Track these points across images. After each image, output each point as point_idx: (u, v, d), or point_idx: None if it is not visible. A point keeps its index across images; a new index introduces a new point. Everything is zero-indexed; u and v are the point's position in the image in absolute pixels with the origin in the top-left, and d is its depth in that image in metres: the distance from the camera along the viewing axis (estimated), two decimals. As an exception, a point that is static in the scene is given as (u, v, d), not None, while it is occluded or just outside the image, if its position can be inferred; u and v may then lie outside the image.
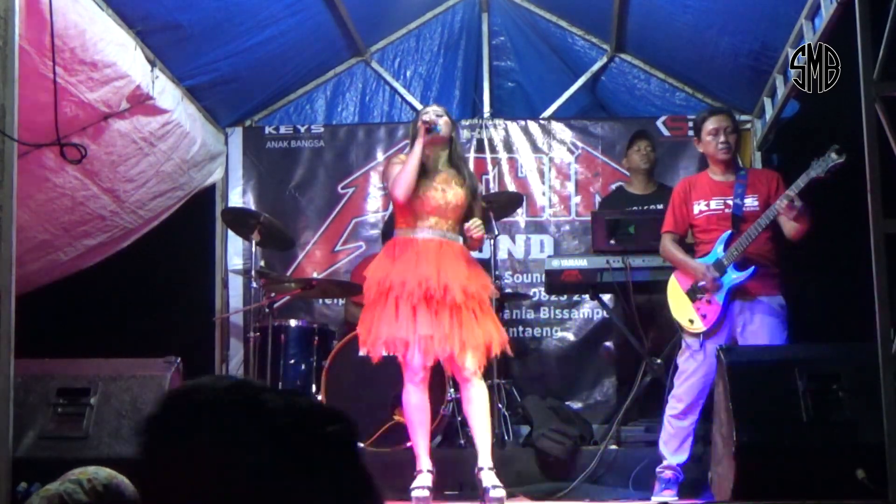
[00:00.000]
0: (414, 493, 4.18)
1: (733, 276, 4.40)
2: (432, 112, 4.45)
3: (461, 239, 4.41)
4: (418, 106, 7.00)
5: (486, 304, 4.38)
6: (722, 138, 4.57)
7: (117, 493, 2.46)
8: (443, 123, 4.42)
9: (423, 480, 4.22)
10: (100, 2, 4.56)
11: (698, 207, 4.59)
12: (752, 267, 4.38)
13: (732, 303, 4.42)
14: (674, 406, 4.46)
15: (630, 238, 5.31)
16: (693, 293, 4.50)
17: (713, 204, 4.56)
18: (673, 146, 6.64)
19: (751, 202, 4.50)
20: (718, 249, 4.46)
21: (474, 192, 4.51)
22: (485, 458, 4.24)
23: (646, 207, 5.71)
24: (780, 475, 3.60)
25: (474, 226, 4.31)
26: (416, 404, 4.31)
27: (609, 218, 5.52)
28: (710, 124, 4.60)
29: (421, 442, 4.32)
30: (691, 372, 4.42)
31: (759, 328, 4.35)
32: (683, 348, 4.52)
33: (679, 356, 4.55)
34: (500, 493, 4.13)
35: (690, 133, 6.59)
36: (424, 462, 4.29)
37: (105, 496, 2.43)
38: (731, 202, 4.51)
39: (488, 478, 4.18)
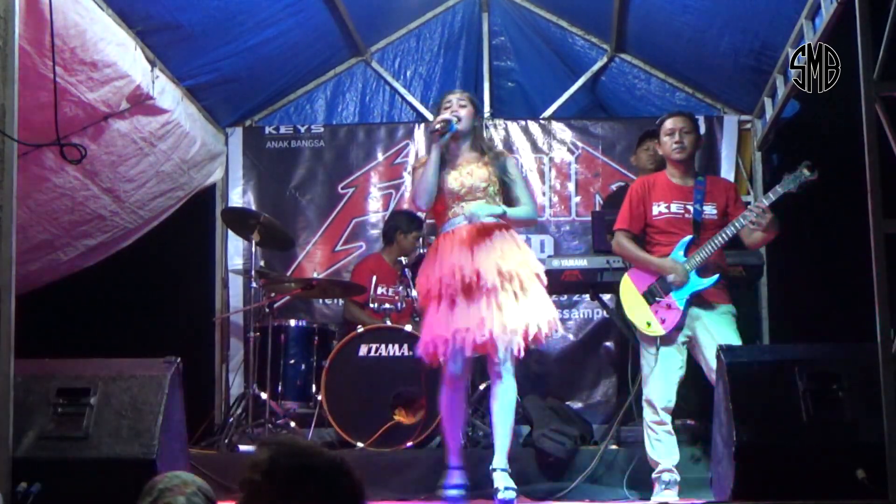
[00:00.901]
0: (448, 493, 4.22)
1: (696, 282, 4.40)
2: (455, 104, 4.32)
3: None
4: (418, 106, 7.01)
5: (527, 282, 4.22)
6: (676, 138, 4.56)
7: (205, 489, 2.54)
8: (464, 115, 4.32)
9: (455, 478, 4.28)
10: (100, 2, 4.56)
11: (658, 209, 4.56)
12: (717, 275, 4.42)
13: (690, 308, 4.42)
14: (649, 411, 4.44)
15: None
16: (651, 295, 4.47)
17: (673, 207, 4.54)
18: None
19: (709, 209, 4.53)
20: (679, 253, 4.46)
21: (504, 169, 4.36)
22: (500, 459, 4.21)
23: None
24: (780, 475, 3.60)
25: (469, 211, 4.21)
26: (451, 405, 4.30)
27: (609, 218, 5.52)
28: (668, 124, 4.61)
29: (453, 440, 4.34)
30: (653, 374, 4.42)
31: (719, 335, 4.33)
32: (642, 351, 4.51)
33: (641, 358, 4.53)
34: (510, 494, 4.11)
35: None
36: (455, 460, 4.32)
37: (214, 502, 2.51)
38: (690, 207, 4.52)
39: (500, 479, 4.15)
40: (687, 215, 4.52)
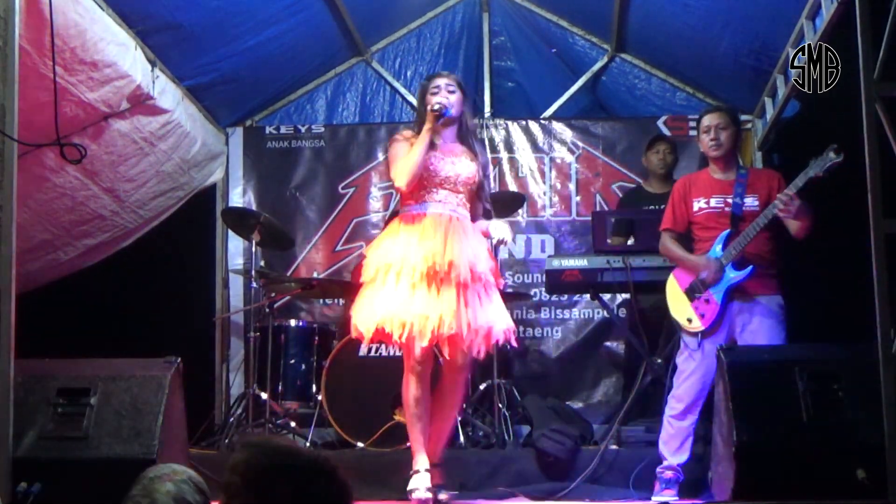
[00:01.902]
0: (416, 495, 3.94)
1: (731, 276, 4.40)
2: (444, 89, 4.14)
3: (470, 217, 4.17)
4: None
5: (492, 287, 4.10)
6: (713, 135, 4.56)
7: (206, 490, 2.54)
8: (454, 101, 4.14)
9: (423, 481, 3.98)
10: (100, 2, 4.56)
11: (698, 205, 4.58)
12: (751, 266, 4.38)
13: (731, 303, 4.41)
14: (673, 406, 4.46)
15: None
16: (692, 292, 4.49)
17: (713, 202, 4.55)
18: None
19: (751, 201, 4.50)
20: (717, 248, 4.46)
21: (485, 169, 4.26)
22: (433, 454, 4.07)
23: (661, 207, 5.70)
24: (780, 475, 3.60)
25: (499, 233, 4.12)
26: (415, 398, 4.01)
27: (609, 218, 5.52)
28: (704, 122, 4.63)
29: (420, 438, 4.04)
30: (690, 372, 4.42)
31: (758, 328, 4.34)
32: (682, 348, 4.52)
33: (678, 356, 4.55)
34: (443, 495, 4.02)
35: (692, 133, 6.67)
36: (422, 461, 4.03)
37: (207, 494, 2.51)
38: (730, 200, 4.51)
39: (420, 480, 3.99)
40: (727, 209, 4.51)
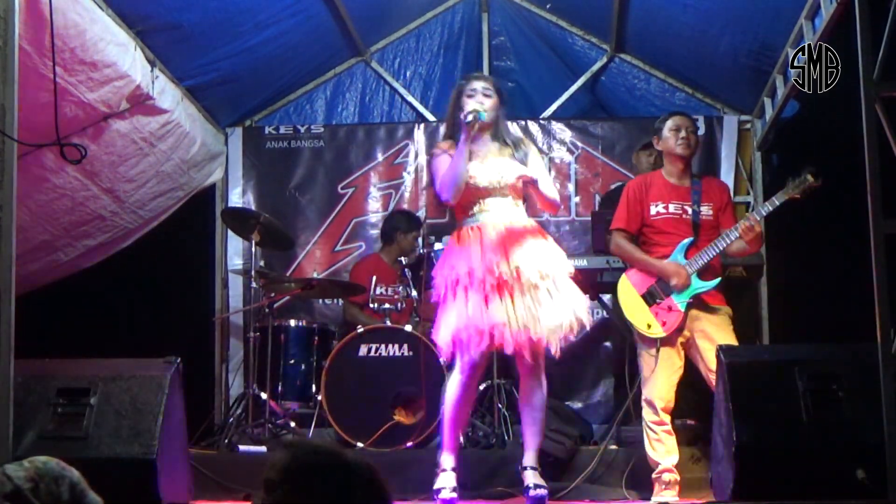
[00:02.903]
0: (442, 495, 4.01)
1: (697, 285, 4.41)
2: (480, 93, 4.11)
3: (525, 214, 4.19)
4: (418, 106, 7.02)
5: (561, 279, 4.08)
6: (683, 134, 4.57)
7: (58, 473, 2.48)
8: (489, 106, 4.11)
9: (448, 480, 4.07)
10: (100, 2, 4.56)
11: (655, 209, 4.56)
12: (718, 278, 4.44)
13: (689, 311, 4.42)
14: (648, 411, 4.43)
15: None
16: (651, 297, 4.46)
17: (671, 207, 4.54)
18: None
19: (706, 210, 4.54)
20: (679, 256, 4.46)
21: (525, 162, 4.17)
22: (530, 457, 4.12)
23: None
24: (780, 475, 3.60)
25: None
26: (458, 400, 4.04)
27: (609, 217, 5.50)
28: (673, 122, 4.62)
29: (453, 439, 4.12)
30: (653, 375, 4.41)
31: (716, 337, 4.34)
32: (639, 352, 4.50)
33: (639, 359, 4.52)
34: (542, 492, 4.05)
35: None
36: (449, 460, 4.10)
37: (46, 473, 2.45)
38: (688, 208, 4.52)
39: (531, 477, 4.08)
40: (685, 216, 4.52)
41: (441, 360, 4.29)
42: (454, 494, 4.05)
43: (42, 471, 2.38)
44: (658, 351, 4.39)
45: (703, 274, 4.43)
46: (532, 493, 4.05)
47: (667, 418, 4.41)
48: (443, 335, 4.02)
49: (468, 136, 4.05)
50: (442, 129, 4.79)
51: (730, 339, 4.35)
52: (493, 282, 3.95)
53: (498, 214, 4.11)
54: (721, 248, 4.41)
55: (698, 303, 4.43)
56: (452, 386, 4.09)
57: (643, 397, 4.47)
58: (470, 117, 4.04)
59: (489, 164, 4.14)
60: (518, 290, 3.96)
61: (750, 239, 4.37)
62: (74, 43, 4.28)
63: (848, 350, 3.84)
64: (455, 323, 3.96)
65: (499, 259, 3.97)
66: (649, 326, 4.43)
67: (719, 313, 4.46)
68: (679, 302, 4.41)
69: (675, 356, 4.41)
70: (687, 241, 4.47)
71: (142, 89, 5.00)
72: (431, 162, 4.27)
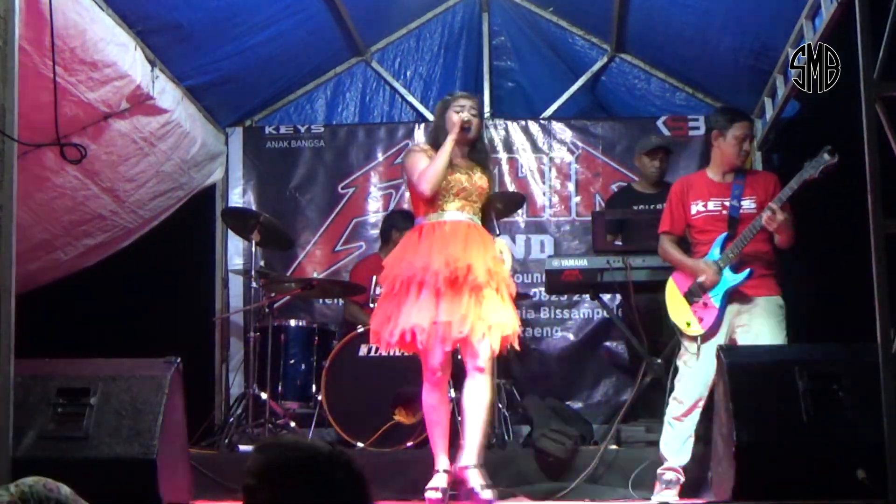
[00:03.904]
0: (427, 494, 4.12)
1: (729, 279, 4.40)
2: (467, 110, 4.32)
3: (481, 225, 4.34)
4: (418, 106, 7.02)
5: (505, 290, 4.23)
6: (746, 146, 4.59)
7: (44, 495, 2.47)
8: (475, 125, 4.33)
9: (438, 481, 4.14)
10: (100, 2, 4.56)
11: (696, 208, 4.58)
12: (749, 269, 4.39)
13: (730, 305, 4.41)
14: (675, 408, 4.46)
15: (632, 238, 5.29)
16: (690, 296, 4.49)
17: (711, 205, 4.55)
18: (673, 146, 6.63)
19: (748, 204, 4.50)
20: (715, 251, 4.46)
21: (493, 181, 4.47)
22: (470, 455, 4.10)
23: (652, 206, 5.70)
24: (780, 475, 3.59)
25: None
26: (433, 404, 4.22)
27: (610, 218, 5.52)
28: (740, 130, 4.56)
29: (438, 441, 4.23)
30: (690, 374, 4.42)
31: (759, 330, 4.34)
32: (682, 350, 4.52)
33: (678, 358, 4.55)
34: (488, 493, 4.04)
35: (692, 133, 6.67)
36: (441, 461, 4.21)
37: (31, 497, 2.44)
38: (727, 203, 4.51)
39: (474, 477, 4.06)
40: (724, 212, 4.51)
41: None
42: (439, 495, 4.09)
43: (27, 494, 2.39)
44: (699, 349, 4.40)
45: (739, 267, 4.41)
46: (482, 495, 4.02)
47: (692, 419, 4.41)
48: (388, 327, 4.15)
49: (458, 136, 4.25)
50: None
51: (771, 328, 4.34)
52: (446, 276, 4.07)
53: (462, 215, 4.27)
54: (749, 239, 4.36)
55: (738, 296, 4.41)
56: (424, 393, 4.25)
57: (673, 393, 4.49)
58: (466, 116, 4.27)
59: (472, 173, 4.33)
60: (465, 287, 4.08)
61: (776, 228, 4.31)
62: (74, 43, 4.28)
63: (848, 350, 3.84)
64: (403, 320, 4.09)
65: (456, 255, 4.11)
66: (688, 325, 4.45)
67: (760, 304, 4.42)
68: (714, 298, 4.41)
69: (712, 356, 4.37)
70: (722, 236, 4.46)
71: (142, 89, 5.00)
72: (408, 157, 4.47)
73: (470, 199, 4.29)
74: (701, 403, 4.41)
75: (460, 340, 4.10)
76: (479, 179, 4.33)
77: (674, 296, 4.57)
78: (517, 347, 4.38)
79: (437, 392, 4.22)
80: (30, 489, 2.42)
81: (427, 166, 4.23)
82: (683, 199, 4.62)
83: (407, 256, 4.23)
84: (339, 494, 1.69)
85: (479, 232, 4.28)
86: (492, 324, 4.10)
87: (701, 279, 4.43)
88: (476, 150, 4.42)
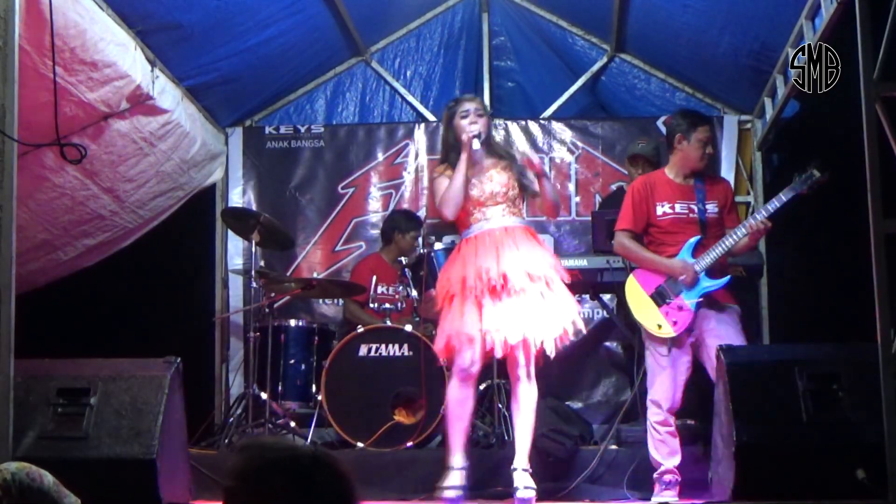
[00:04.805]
0: (445, 493, 4.15)
1: (706, 284, 4.41)
2: (473, 114, 4.34)
3: (522, 220, 4.41)
4: (418, 106, 7.01)
5: (553, 284, 4.25)
6: (709, 149, 4.60)
7: (26, 484, 2.48)
8: (482, 126, 4.35)
9: (454, 479, 4.19)
10: (100, 2, 4.56)
11: (662, 209, 4.55)
12: (728, 276, 4.45)
13: (700, 309, 4.42)
14: (655, 412, 4.43)
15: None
16: (660, 297, 4.46)
17: (678, 207, 4.53)
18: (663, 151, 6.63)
19: (712, 208, 4.54)
20: (686, 254, 4.45)
21: (522, 172, 4.42)
22: (520, 458, 4.20)
23: None
24: (780, 475, 3.60)
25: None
26: (459, 398, 4.25)
27: (609, 218, 5.51)
28: (703, 133, 4.57)
29: (458, 437, 4.25)
30: (662, 375, 4.42)
31: (724, 333, 4.34)
32: (650, 351, 4.50)
33: (647, 359, 4.53)
34: (529, 493, 4.11)
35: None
36: (457, 459, 4.24)
37: (13, 484, 2.46)
38: (694, 207, 4.52)
39: (520, 478, 4.15)
40: (692, 215, 4.51)
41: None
42: (459, 493, 4.15)
43: (9, 482, 2.39)
44: (669, 351, 4.39)
45: (711, 273, 4.42)
46: (519, 494, 4.11)
47: (672, 420, 4.42)
48: (438, 343, 4.33)
49: (469, 155, 4.28)
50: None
51: (739, 338, 4.36)
52: (482, 288, 4.14)
53: (494, 222, 4.31)
54: (729, 247, 4.40)
55: (708, 301, 4.43)
56: (450, 388, 4.30)
57: (649, 397, 4.47)
58: (476, 144, 4.28)
59: (486, 177, 4.35)
60: (506, 294, 4.14)
61: (758, 237, 4.40)
62: (74, 43, 4.28)
63: (848, 350, 3.84)
64: (447, 331, 4.22)
65: (489, 265, 4.16)
66: (660, 327, 4.42)
67: (729, 311, 4.46)
68: (689, 301, 4.40)
69: (684, 357, 4.41)
70: (694, 239, 4.46)
71: (142, 89, 5.00)
72: (431, 184, 4.56)
73: (495, 204, 4.32)
74: (678, 400, 4.41)
75: (507, 348, 4.16)
76: (497, 183, 4.34)
77: (637, 295, 4.53)
78: (583, 329, 4.41)
79: (465, 388, 4.25)
80: (13, 477, 2.43)
81: (444, 191, 4.29)
82: (647, 198, 4.58)
83: (447, 272, 4.35)
84: (320, 496, 1.68)
85: (513, 234, 4.29)
86: (531, 329, 4.13)
87: (681, 278, 4.41)
88: (492, 147, 4.47)
